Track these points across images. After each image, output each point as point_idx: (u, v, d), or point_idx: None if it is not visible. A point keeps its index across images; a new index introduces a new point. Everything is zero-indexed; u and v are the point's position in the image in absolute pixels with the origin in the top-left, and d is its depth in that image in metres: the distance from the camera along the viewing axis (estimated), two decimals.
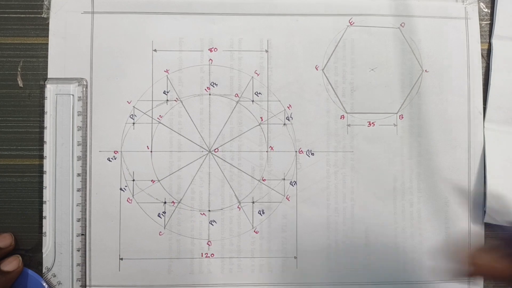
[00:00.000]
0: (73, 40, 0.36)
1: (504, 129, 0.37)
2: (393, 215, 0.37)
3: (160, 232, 0.36)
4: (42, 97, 0.36)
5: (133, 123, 0.36)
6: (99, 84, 0.36)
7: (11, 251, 0.35)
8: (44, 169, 0.35)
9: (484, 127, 0.37)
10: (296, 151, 0.36)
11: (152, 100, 0.36)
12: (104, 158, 0.36)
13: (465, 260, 0.31)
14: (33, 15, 0.36)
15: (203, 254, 0.36)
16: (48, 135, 0.35)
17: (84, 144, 0.36)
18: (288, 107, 0.37)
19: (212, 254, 0.36)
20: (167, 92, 0.36)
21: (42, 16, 0.36)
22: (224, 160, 0.36)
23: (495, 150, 0.37)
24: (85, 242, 0.35)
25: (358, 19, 0.37)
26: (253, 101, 0.37)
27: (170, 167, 0.36)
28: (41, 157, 0.35)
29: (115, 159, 0.36)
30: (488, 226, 0.37)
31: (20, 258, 0.34)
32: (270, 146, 0.37)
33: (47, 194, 0.35)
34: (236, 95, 0.37)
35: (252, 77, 0.37)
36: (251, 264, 0.36)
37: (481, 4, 0.38)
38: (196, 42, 0.37)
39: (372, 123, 0.37)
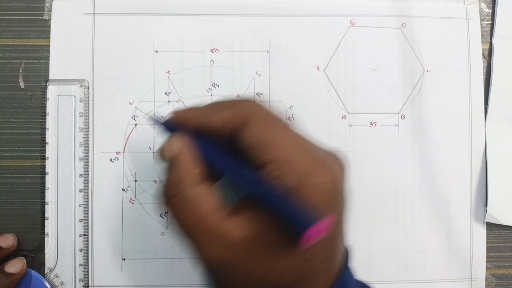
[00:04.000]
0: (74, 41, 0.36)
1: (506, 128, 0.37)
2: (395, 215, 0.37)
3: (162, 232, 0.36)
4: (43, 99, 0.36)
5: (135, 124, 0.36)
6: (100, 85, 0.36)
7: (13, 252, 0.35)
8: (46, 170, 0.35)
9: (485, 126, 0.37)
10: None
11: (154, 101, 0.36)
12: (106, 159, 0.36)
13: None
14: (34, 17, 0.36)
15: None
16: (50, 136, 0.35)
17: (86, 145, 0.36)
18: (290, 108, 0.37)
19: None
20: (169, 93, 0.36)
21: (44, 17, 0.36)
22: None
23: (497, 150, 0.37)
24: (88, 243, 0.35)
25: (359, 20, 0.37)
26: None
27: None
28: (43, 158, 0.36)
29: (117, 160, 0.36)
30: (490, 226, 0.37)
31: (25, 260, 0.34)
32: None
33: (49, 195, 0.35)
34: (238, 96, 0.37)
35: (254, 77, 0.37)
36: None
37: (482, 4, 0.38)
38: (197, 43, 0.37)
39: (374, 123, 0.37)
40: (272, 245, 0.22)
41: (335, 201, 0.23)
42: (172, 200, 0.24)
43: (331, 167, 0.23)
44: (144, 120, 0.36)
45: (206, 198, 0.24)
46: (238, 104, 0.25)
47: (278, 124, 0.24)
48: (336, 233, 0.24)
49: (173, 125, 0.26)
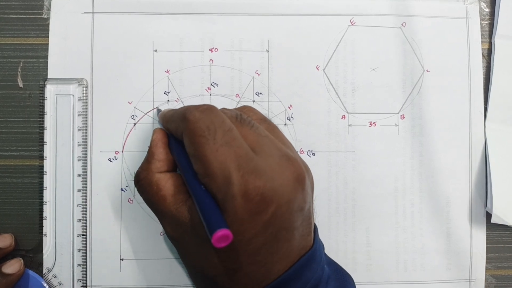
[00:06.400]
0: (73, 40, 0.36)
1: (506, 128, 0.37)
2: (394, 215, 0.37)
3: (161, 232, 0.36)
4: (42, 98, 0.36)
5: (134, 124, 0.36)
6: (99, 85, 0.36)
7: (11, 252, 0.35)
8: (45, 170, 0.35)
9: (485, 126, 0.37)
10: (297, 151, 0.36)
11: (153, 101, 0.36)
12: (105, 159, 0.36)
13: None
14: (33, 16, 0.36)
15: None
16: (48, 136, 0.35)
17: (84, 144, 0.35)
18: (289, 107, 0.37)
19: None
20: (168, 93, 0.36)
21: (42, 16, 0.36)
22: None
23: (498, 150, 0.37)
24: (86, 243, 0.35)
25: (359, 19, 0.37)
26: (254, 101, 0.37)
27: None
28: (41, 157, 0.35)
29: (116, 159, 0.36)
30: (489, 226, 0.37)
31: (22, 260, 0.34)
32: None
33: (48, 195, 0.35)
34: (237, 95, 0.36)
35: (253, 77, 0.37)
36: None
37: (482, 4, 0.38)
38: (196, 42, 0.36)
39: (373, 123, 0.37)
40: (204, 237, 0.25)
41: (258, 210, 0.24)
42: (140, 182, 0.29)
43: (259, 175, 0.24)
44: (143, 120, 0.36)
45: (166, 184, 0.28)
46: (181, 114, 0.27)
47: (203, 138, 0.25)
48: (261, 239, 0.25)
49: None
